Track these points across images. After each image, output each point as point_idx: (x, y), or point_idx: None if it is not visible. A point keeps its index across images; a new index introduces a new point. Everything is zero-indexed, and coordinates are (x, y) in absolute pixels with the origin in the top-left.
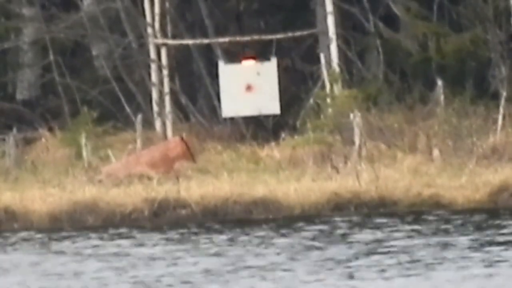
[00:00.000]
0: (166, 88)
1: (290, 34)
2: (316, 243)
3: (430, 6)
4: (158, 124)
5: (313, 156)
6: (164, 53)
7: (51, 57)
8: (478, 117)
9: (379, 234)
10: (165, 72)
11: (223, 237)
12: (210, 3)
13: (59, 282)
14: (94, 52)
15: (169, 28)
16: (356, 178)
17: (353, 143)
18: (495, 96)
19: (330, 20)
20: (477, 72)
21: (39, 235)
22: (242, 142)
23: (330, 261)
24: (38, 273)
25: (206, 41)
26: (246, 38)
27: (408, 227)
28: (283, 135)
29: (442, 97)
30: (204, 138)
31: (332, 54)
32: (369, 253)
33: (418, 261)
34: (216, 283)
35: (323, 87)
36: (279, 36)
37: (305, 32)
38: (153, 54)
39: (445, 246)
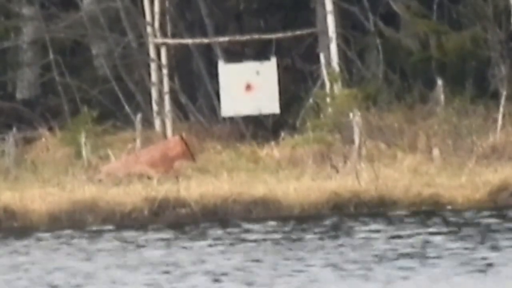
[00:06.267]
0: (166, 88)
1: (290, 34)
2: None
3: (430, 5)
4: (157, 123)
5: (312, 155)
6: (164, 53)
7: (51, 56)
8: (478, 116)
9: None
10: (165, 71)
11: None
12: (209, 3)
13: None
14: (93, 52)
15: (168, 27)
16: (355, 178)
17: (352, 142)
18: (495, 96)
19: (330, 19)
20: (477, 71)
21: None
22: (242, 142)
23: None
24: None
25: (205, 40)
26: (246, 37)
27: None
28: (282, 134)
29: (442, 97)
30: (204, 138)
31: (332, 53)
32: None
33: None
34: None
35: (322, 86)
36: (279, 35)
37: (305, 32)
38: (152, 54)
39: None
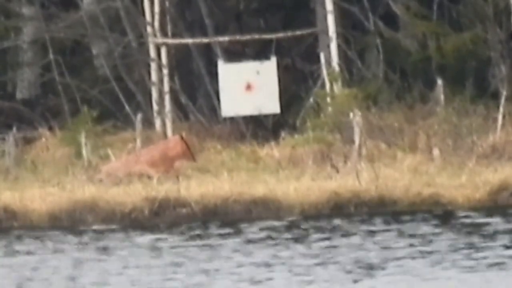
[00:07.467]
0: (166, 87)
1: (290, 33)
2: None
3: (430, 5)
4: (158, 123)
5: (313, 155)
6: (164, 52)
7: (51, 56)
8: (478, 116)
9: None
10: (165, 71)
11: None
12: (210, 2)
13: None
14: (94, 51)
15: (169, 27)
16: (356, 178)
17: (353, 142)
18: (495, 95)
19: (330, 19)
20: (477, 71)
21: None
22: (242, 142)
23: None
24: None
25: (205, 40)
26: (246, 37)
27: None
28: (283, 134)
29: (442, 96)
30: (204, 137)
31: (332, 53)
32: None
33: None
34: None
35: (323, 86)
36: (279, 35)
37: (305, 31)
38: (152, 53)
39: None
